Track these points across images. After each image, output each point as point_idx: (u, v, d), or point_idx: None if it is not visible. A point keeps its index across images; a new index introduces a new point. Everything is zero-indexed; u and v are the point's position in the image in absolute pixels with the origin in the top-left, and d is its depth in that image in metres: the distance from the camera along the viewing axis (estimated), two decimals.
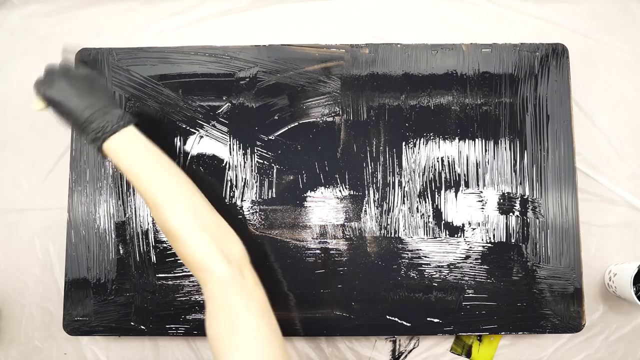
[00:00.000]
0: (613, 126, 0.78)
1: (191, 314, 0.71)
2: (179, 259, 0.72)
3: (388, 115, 0.74)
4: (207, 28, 0.80)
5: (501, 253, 0.72)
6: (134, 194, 0.73)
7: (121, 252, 0.72)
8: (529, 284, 0.71)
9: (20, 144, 0.78)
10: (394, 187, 0.73)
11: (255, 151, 0.74)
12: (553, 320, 0.71)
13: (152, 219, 0.72)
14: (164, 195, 0.55)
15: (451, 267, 0.72)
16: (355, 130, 0.74)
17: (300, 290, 0.71)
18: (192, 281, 0.72)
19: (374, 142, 0.74)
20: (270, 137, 0.74)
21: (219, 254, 0.53)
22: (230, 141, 0.74)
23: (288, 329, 0.71)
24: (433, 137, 0.74)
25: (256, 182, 0.73)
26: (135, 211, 0.73)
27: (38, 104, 0.62)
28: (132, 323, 0.71)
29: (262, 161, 0.74)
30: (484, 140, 0.74)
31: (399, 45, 0.76)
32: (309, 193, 0.73)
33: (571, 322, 0.71)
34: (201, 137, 0.74)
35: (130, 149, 0.58)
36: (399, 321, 0.71)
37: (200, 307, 0.71)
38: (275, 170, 0.73)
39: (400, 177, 0.73)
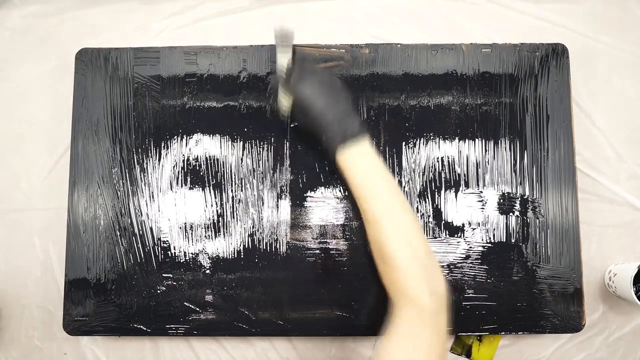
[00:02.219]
0: (613, 126, 0.78)
1: (191, 314, 0.71)
2: (179, 259, 0.72)
3: (388, 115, 0.74)
4: (207, 28, 0.80)
5: (501, 253, 0.72)
6: (134, 194, 0.73)
7: (121, 252, 0.72)
8: (529, 284, 0.71)
9: (20, 144, 0.79)
10: None
11: (255, 151, 0.74)
12: (553, 320, 0.71)
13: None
14: (388, 218, 0.55)
15: (451, 267, 0.72)
16: None
17: (301, 290, 0.71)
18: (192, 281, 0.72)
19: (374, 142, 0.74)
20: (270, 137, 0.74)
21: (426, 285, 0.52)
22: (230, 141, 0.74)
23: (288, 329, 0.71)
24: (433, 137, 0.74)
25: (255, 181, 0.73)
26: (135, 211, 0.73)
27: (286, 100, 0.59)
28: (132, 323, 0.71)
29: (261, 161, 0.74)
30: (484, 140, 0.74)
31: (399, 45, 0.76)
32: (309, 193, 0.73)
33: (571, 322, 0.71)
34: (200, 137, 0.74)
35: (365, 162, 0.57)
36: None
37: (201, 307, 0.71)
38: (274, 170, 0.73)
39: (400, 177, 0.73)
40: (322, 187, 0.73)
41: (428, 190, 0.73)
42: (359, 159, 0.57)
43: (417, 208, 0.73)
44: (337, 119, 0.58)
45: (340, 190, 0.73)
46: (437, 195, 0.73)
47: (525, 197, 0.73)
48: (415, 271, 0.53)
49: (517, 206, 0.73)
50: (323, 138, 0.58)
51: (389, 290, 0.54)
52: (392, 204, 0.56)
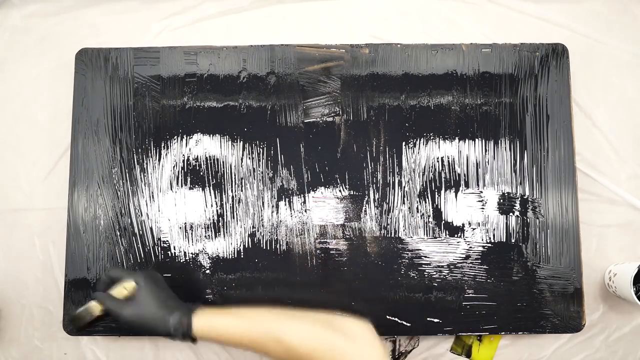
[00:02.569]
0: (613, 126, 0.77)
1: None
2: (179, 259, 0.72)
3: (388, 115, 0.74)
4: (207, 28, 0.80)
5: (501, 253, 0.72)
6: (133, 194, 0.73)
7: (121, 252, 0.72)
8: (529, 284, 0.71)
9: (20, 144, 0.78)
10: (394, 187, 0.73)
11: (255, 151, 0.74)
12: (553, 320, 0.71)
13: None
14: (278, 329, 0.56)
15: (451, 267, 0.72)
16: (355, 130, 0.74)
17: (301, 290, 0.71)
18: (192, 281, 0.72)
19: (374, 142, 0.74)
20: (270, 137, 0.74)
21: (343, 339, 0.54)
22: (230, 141, 0.74)
23: None
24: (433, 137, 0.74)
25: (255, 181, 0.73)
26: (135, 211, 0.73)
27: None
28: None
29: (261, 161, 0.74)
30: (484, 140, 0.74)
31: (399, 45, 0.76)
32: (309, 193, 0.73)
33: (571, 322, 0.71)
34: (200, 137, 0.74)
35: (215, 325, 0.58)
36: (399, 321, 0.71)
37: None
38: (274, 170, 0.73)
39: (400, 177, 0.73)
40: (322, 187, 0.73)
41: (428, 190, 0.73)
42: (209, 328, 0.58)
43: (418, 208, 0.73)
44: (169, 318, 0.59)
45: (340, 191, 0.73)
46: (437, 195, 0.73)
47: (525, 197, 0.73)
48: (337, 341, 0.54)
49: (517, 206, 0.73)
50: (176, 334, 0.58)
51: None
52: (266, 327, 0.56)
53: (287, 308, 0.60)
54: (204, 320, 0.58)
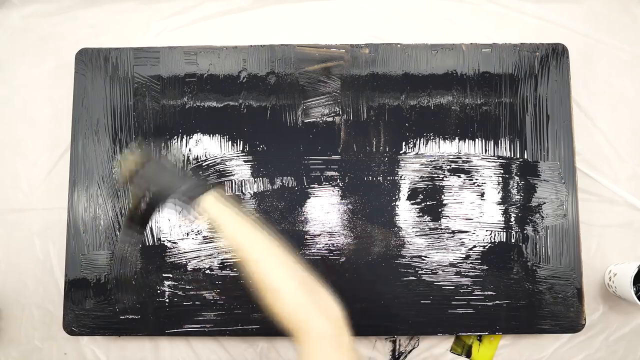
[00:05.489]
0: (613, 126, 0.77)
1: (191, 314, 0.71)
2: (179, 260, 0.72)
3: (388, 115, 0.74)
4: (207, 28, 0.80)
5: (501, 253, 0.72)
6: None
7: (121, 252, 0.72)
8: (529, 284, 0.71)
9: (20, 144, 0.78)
10: (394, 187, 0.73)
11: (255, 150, 0.74)
12: (553, 320, 0.71)
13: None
14: (258, 254, 0.55)
15: (451, 267, 0.72)
16: (355, 130, 0.74)
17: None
18: (192, 281, 0.72)
19: (374, 142, 0.74)
20: (270, 137, 0.74)
21: (318, 313, 0.52)
22: (230, 141, 0.74)
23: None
24: (433, 137, 0.74)
25: (255, 181, 0.73)
26: None
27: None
28: (131, 323, 0.71)
29: (261, 160, 0.74)
30: (484, 140, 0.74)
31: (399, 45, 0.76)
32: (309, 193, 0.73)
33: (571, 322, 0.71)
34: (200, 137, 0.74)
35: (219, 212, 0.58)
36: (399, 321, 0.71)
37: (201, 307, 0.71)
38: (274, 170, 0.73)
39: (400, 177, 0.73)
40: (323, 187, 0.73)
41: (428, 190, 0.73)
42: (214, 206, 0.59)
43: (418, 208, 0.73)
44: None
45: (340, 190, 0.73)
46: (437, 195, 0.73)
47: (526, 197, 0.73)
48: (305, 300, 0.53)
49: (518, 206, 0.73)
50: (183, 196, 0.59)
51: (287, 325, 0.54)
52: (258, 242, 0.56)
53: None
54: (215, 199, 0.58)
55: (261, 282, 0.54)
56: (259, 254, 0.55)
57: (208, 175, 0.74)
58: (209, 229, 0.72)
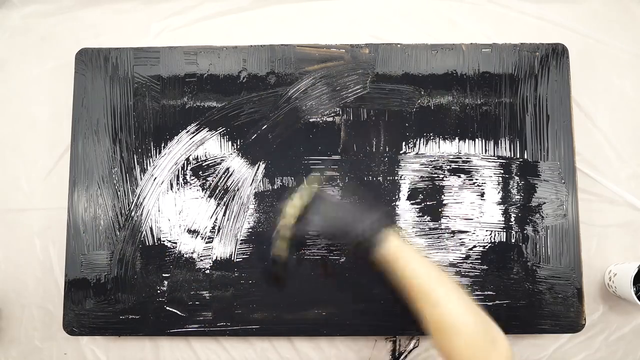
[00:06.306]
0: (613, 126, 0.77)
1: (191, 314, 0.71)
2: (178, 260, 0.72)
3: (388, 115, 0.74)
4: (207, 28, 0.80)
5: (501, 253, 0.72)
6: (133, 194, 0.73)
7: (121, 252, 0.72)
8: (529, 284, 0.71)
9: (20, 144, 0.78)
10: (394, 187, 0.73)
11: (255, 151, 0.74)
12: (553, 320, 0.71)
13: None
14: (442, 294, 0.55)
15: (451, 267, 0.72)
16: (355, 130, 0.74)
17: (301, 290, 0.71)
18: (192, 281, 0.72)
19: (374, 142, 0.74)
20: (270, 137, 0.74)
21: (491, 345, 0.53)
22: (230, 141, 0.74)
23: (288, 329, 0.71)
24: (433, 137, 0.74)
25: (255, 181, 0.73)
26: (135, 211, 0.73)
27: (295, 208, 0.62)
28: (131, 323, 0.71)
29: (261, 160, 0.74)
30: (483, 140, 0.74)
31: (399, 45, 0.76)
32: None
33: (571, 322, 0.71)
34: (201, 137, 0.74)
35: (405, 250, 0.57)
36: (399, 321, 0.71)
37: (201, 307, 0.71)
38: (275, 170, 0.73)
39: (400, 177, 0.73)
40: (323, 187, 0.73)
41: (428, 190, 0.73)
42: (400, 250, 0.57)
43: (418, 208, 0.73)
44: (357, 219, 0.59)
45: (340, 191, 0.73)
46: (437, 195, 0.73)
47: (526, 197, 0.73)
48: (482, 333, 0.54)
49: (518, 206, 0.73)
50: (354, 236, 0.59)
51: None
52: (438, 280, 0.56)
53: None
54: (397, 239, 0.56)
55: (445, 320, 0.54)
56: (444, 296, 0.54)
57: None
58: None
